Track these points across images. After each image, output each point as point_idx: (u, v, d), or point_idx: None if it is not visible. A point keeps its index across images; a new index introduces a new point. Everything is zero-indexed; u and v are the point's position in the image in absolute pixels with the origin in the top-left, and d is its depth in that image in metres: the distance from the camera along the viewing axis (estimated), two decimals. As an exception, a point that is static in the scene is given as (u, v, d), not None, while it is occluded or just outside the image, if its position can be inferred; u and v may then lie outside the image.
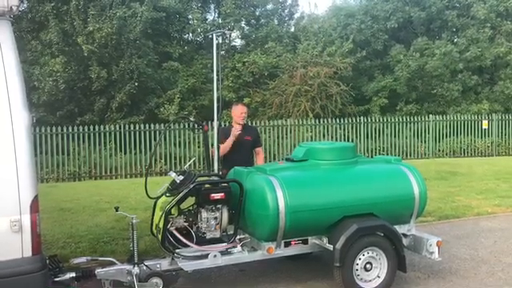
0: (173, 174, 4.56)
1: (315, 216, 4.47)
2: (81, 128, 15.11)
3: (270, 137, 16.46)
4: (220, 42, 5.26)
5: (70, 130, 14.97)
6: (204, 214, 4.54)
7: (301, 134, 16.78)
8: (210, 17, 24.48)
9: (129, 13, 18.21)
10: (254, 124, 16.72)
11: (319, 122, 17.29)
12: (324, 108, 18.88)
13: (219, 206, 4.57)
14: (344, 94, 19.16)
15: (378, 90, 20.46)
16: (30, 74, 17.46)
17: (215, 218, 4.56)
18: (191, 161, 5.72)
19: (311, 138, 16.81)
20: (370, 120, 17.69)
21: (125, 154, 15.23)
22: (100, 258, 4.62)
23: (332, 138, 16.99)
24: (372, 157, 17.27)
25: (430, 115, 18.58)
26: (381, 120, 17.85)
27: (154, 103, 18.64)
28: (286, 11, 26.14)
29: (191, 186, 4.38)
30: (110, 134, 15.37)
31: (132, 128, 15.45)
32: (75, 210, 7.98)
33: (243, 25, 24.23)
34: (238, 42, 24.75)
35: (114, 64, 17.67)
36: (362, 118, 17.64)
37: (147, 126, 15.36)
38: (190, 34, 23.46)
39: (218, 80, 5.17)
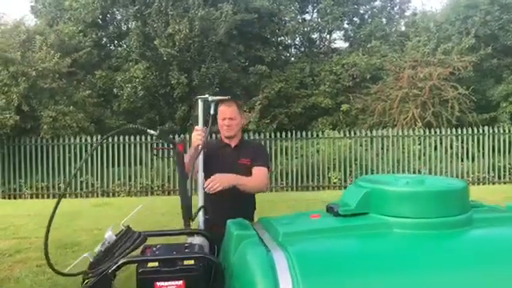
0: (107, 234, 2.47)
1: None
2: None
3: (366, 150, 13.86)
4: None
5: (144, 140, 13.81)
6: (148, 317, 2.34)
7: (406, 146, 13.96)
8: (308, 17, 22.63)
9: (217, 14, 16.77)
10: (357, 133, 14.24)
11: (430, 132, 14.34)
12: (437, 116, 15.88)
13: (176, 302, 2.35)
14: (463, 99, 16.06)
15: (507, 94, 16.94)
16: (113, 80, 16.78)
17: (167, 327, 2.34)
18: (137, 208, 2.74)
19: (419, 151, 13.94)
20: (497, 131, 14.47)
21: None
22: None
23: (446, 152, 13.95)
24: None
25: None
26: (512, 131, 14.40)
27: (236, 110, 17.01)
28: (395, 8, 23.38)
29: (120, 262, 2.23)
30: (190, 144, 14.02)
31: (212, 138, 13.94)
32: (83, 245, 6.10)
33: (346, 25, 21.95)
34: (338, 44, 22.60)
35: (196, 69, 16.32)
36: (486, 128, 14.46)
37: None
38: (286, 37, 21.78)
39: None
